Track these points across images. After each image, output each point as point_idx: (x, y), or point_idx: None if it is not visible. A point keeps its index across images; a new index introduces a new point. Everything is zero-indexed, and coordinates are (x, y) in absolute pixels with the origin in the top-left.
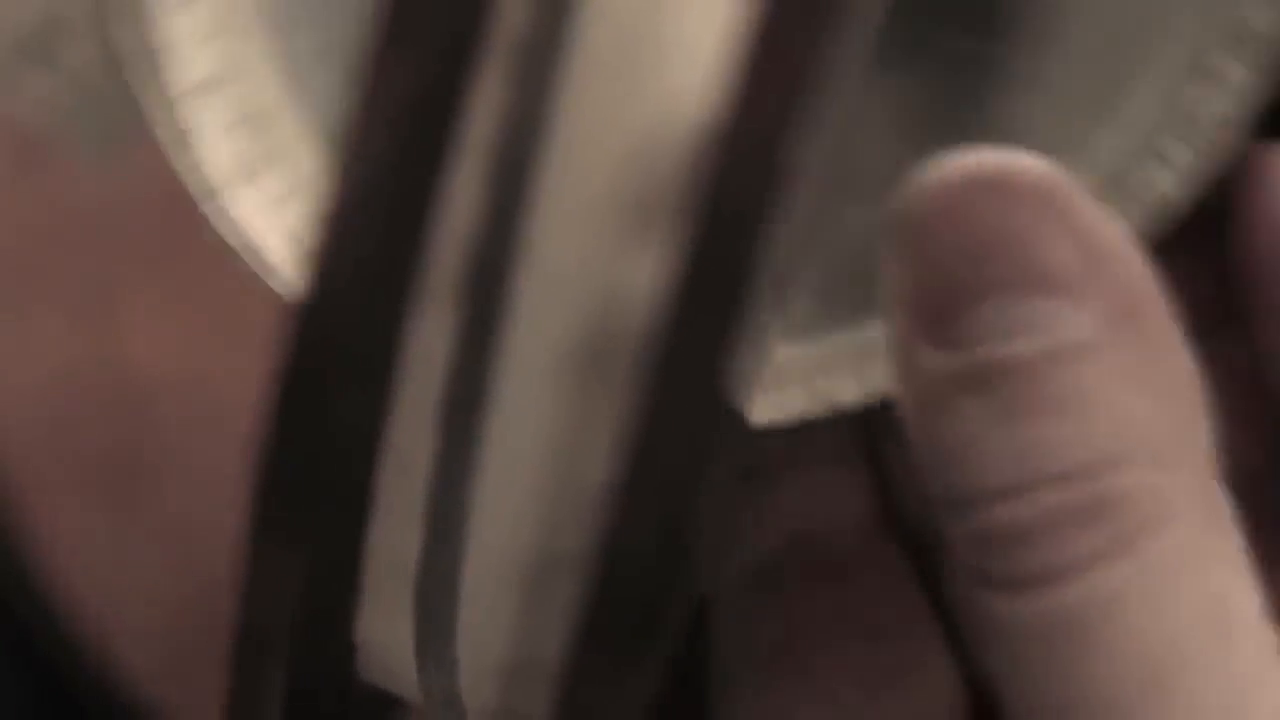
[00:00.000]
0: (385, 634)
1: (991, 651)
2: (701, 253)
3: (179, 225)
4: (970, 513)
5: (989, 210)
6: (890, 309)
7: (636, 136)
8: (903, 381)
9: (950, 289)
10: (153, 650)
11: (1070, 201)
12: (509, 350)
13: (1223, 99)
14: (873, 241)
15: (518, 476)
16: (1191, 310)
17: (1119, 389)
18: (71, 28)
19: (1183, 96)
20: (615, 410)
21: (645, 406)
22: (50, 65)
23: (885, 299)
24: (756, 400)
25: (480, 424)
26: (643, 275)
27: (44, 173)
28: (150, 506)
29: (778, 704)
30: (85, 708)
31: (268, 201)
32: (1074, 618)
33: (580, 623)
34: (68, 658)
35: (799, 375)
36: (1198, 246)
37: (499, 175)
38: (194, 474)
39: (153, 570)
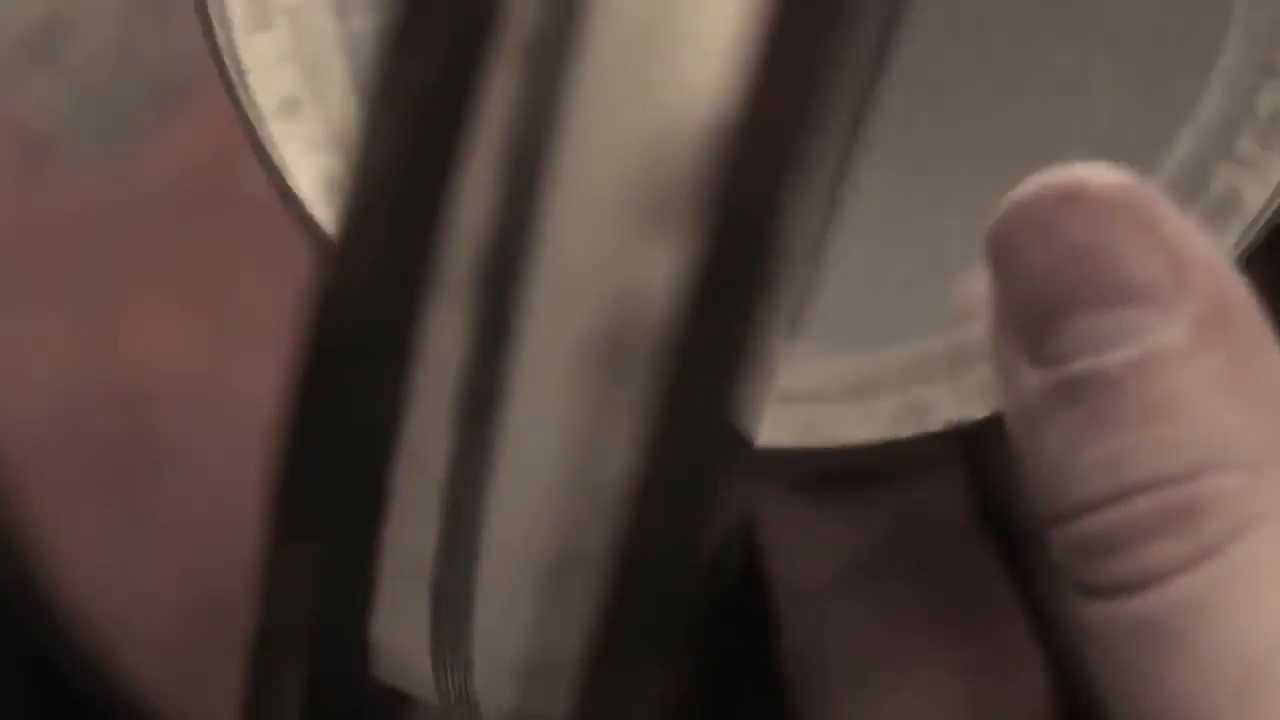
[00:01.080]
0: (401, 633)
1: (1090, 659)
2: (717, 248)
3: (182, 225)
4: (1066, 524)
5: (1073, 224)
6: (991, 329)
7: (649, 132)
8: (1005, 400)
9: (1041, 305)
10: (157, 652)
11: (1154, 210)
12: (524, 347)
13: None
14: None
15: (534, 474)
16: None
17: (1208, 396)
18: (74, 27)
19: (1255, 95)
20: (632, 407)
21: (662, 403)
22: (53, 65)
23: (988, 320)
24: (845, 413)
25: (496, 421)
26: (658, 271)
27: (46, 173)
28: (155, 507)
29: (875, 698)
30: (90, 711)
31: (304, 143)
32: (1164, 622)
33: (598, 622)
34: (72, 660)
35: (893, 382)
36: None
37: (512, 172)
38: (198, 475)
39: (157, 572)
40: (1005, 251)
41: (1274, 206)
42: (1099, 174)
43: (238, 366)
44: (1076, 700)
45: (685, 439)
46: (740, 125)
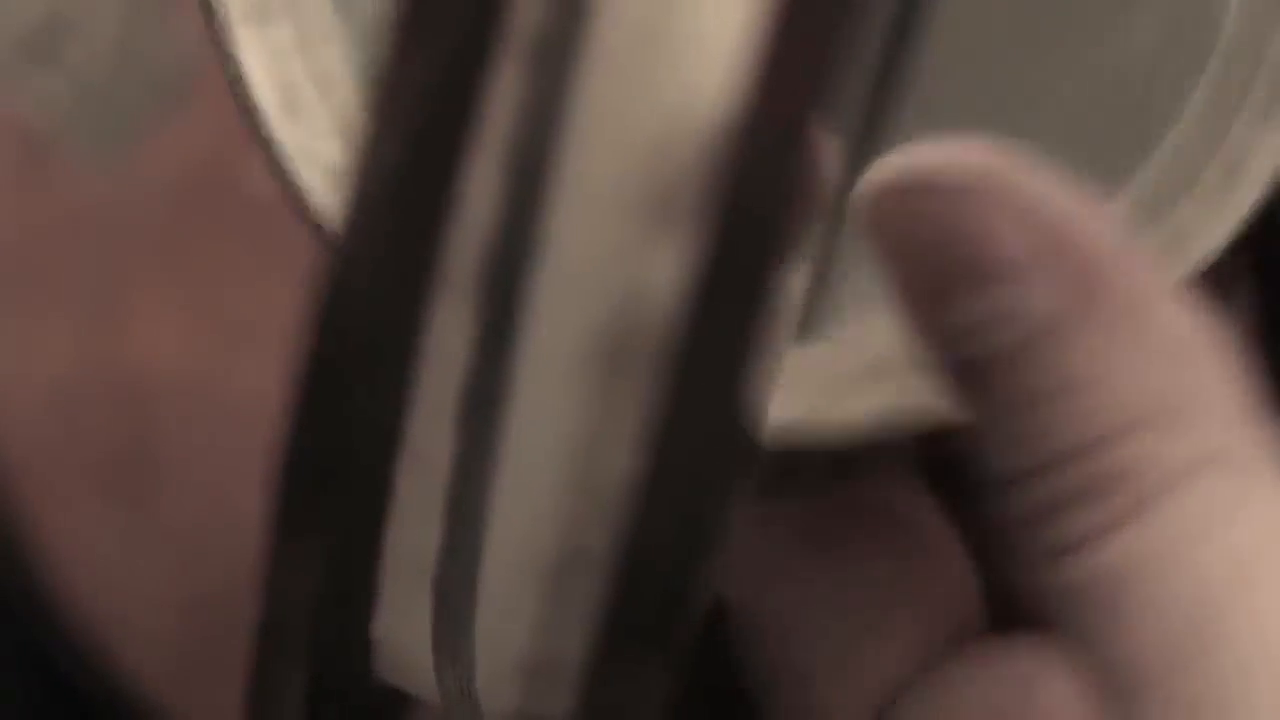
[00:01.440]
0: (403, 632)
1: (1054, 623)
2: (721, 248)
3: (182, 224)
4: (1000, 496)
5: (932, 212)
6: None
7: (654, 131)
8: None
9: (919, 293)
10: (157, 651)
11: (1009, 184)
12: (528, 346)
13: (1269, 137)
14: None
15: (537, 474)
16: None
17: (1100, 362)
18: (75, 26)
19: (1228, 134)
20: (635, 407)
21: (666, 403)
22: (53, 64)
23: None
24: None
25: (499, 420)
26: (662, 271)
27: (47, 172)
28: (155, 506)
29: (799, 595)
30: (91, 710)
31: (308, 135)
32: (1103, 584)
33: (601, 621)
34: (73, 659)
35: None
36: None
37: (516, 171)
38: (199, 474)
39: (157, 571)
40: (874, 239)
41: (1223, 233)
42: (948, 152)
43: (238, 366)
44: (1005, 604)
45: (689, 439)
46: (745, 125)
